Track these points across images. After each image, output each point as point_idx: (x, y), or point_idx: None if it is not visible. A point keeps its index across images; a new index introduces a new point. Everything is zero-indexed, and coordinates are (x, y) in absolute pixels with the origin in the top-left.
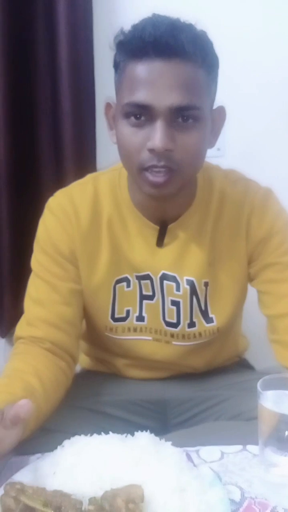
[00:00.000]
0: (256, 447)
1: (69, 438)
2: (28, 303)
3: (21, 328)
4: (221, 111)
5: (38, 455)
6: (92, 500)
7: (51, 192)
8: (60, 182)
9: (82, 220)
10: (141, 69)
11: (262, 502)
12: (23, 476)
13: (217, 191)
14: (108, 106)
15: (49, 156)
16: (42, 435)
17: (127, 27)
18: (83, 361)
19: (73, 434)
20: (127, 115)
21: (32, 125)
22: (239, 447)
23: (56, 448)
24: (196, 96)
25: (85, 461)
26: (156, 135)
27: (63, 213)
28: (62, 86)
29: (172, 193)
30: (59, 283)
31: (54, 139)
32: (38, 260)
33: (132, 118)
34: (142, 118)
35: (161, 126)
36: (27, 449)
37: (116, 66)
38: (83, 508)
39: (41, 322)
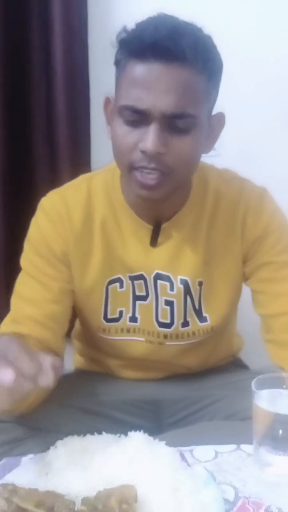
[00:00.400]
0: (250, 447)
1: (61, 439)
2: (16, 301)
3: (5, 325)
4: (220, 117)
5: (31, 455)
6: (85, 500)
7: (45, 191)
8: (54, 181)
9: (75, 221)
10: (139, 70)
11: (256, 502)
12: (16, 477)
13: (212, 190)
14: (107, 100)
15: (44, 155)
16: (35, 435)
17: (129, 25)
18: (77, 361)
19: (66, 434)
20: (122, 115)
21: (27, 125)
22: (233, 446)
23: (48, 448)
24: (192, 103)
25: (78, 462)
26: (149, 138)
27: (56, 214)
28: (57, 86)
29: (162, 196)
30: (50, 282)
31: (48, 139)
32: (30, 260)
33: (127, 118)
34: (137, 118)
35: (154, 129)
36: (20, 450)
37: (117, 63)
38: (76, 509)
39: (27, 319)
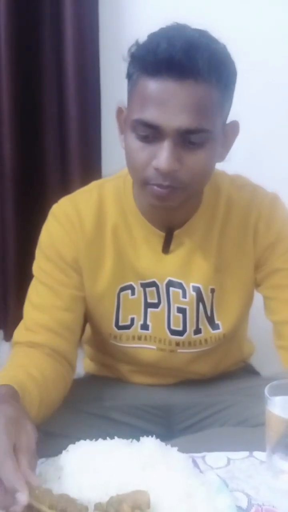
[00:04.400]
0: (262, 454)
1: (73, 443)
2: (28, 309)
3: (20, 333)
4: (235, 125)
5: (43, 459)
6: (97, 506)
7: (56, 198)
8: (65, 187)
9: (86, 227)
10: (153, 86)
11: (270, 509)
12: None
13: (223, 196)
14: (119, 110)
15: (55, 161)
16: (47, 440)
17: (134, 31)
18: (88, 366)
19: (78, 439)
20: (135, 130)
21: (38, 131)
22: (246, 453)
23: (61, 452)
24: (207, 118)
25: (90, 466)
26: (163, 156)
27: (67, 221)
28: (68, 91)
29: (176, 206)
30: (61, 289)
31: (59, 145)
32: (40, 266)
33: (141, 133)
34: (150, 134)
35: (168, 146)
36: None
37: (129, 76)
38: None
39: (40, 327)
